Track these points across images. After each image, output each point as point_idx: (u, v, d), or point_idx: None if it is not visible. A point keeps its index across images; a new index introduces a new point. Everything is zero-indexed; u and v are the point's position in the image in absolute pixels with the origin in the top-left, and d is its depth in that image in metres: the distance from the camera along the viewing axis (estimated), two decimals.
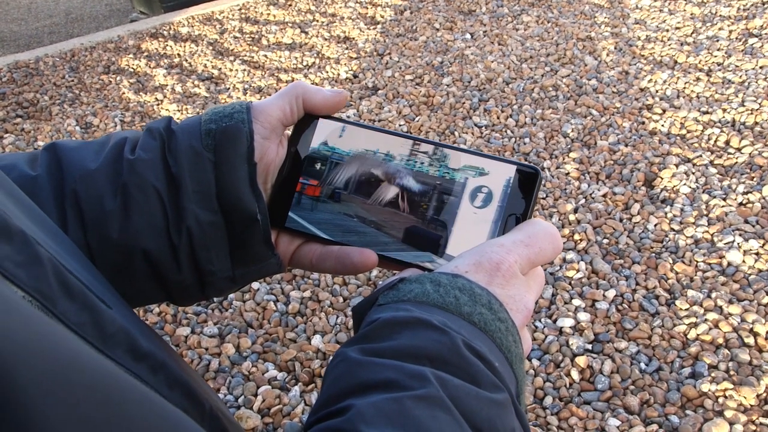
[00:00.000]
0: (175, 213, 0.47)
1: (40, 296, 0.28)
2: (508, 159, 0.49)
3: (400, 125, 2.62)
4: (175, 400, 0.36)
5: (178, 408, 0.35)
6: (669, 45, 3.13)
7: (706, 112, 2.55)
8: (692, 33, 3.23)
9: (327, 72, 3.18)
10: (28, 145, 2.73)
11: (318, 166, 0.51)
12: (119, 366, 0.31)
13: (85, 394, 0.22)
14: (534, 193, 0.48)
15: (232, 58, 3.45)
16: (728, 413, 1.45)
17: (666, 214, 2.05)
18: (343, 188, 0.50)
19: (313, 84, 2.70)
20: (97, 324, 0.31)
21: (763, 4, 3.39)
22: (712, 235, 1.95)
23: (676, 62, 2.97)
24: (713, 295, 1.74)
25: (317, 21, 3.86)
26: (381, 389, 0.33)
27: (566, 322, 1.70)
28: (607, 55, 3.08)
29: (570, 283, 1.84)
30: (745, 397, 1.48)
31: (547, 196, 2.18)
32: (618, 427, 1.45)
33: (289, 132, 0.53)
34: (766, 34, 3.08)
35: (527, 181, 0.48)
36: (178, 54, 3.55)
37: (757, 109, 2.49)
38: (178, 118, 2.76)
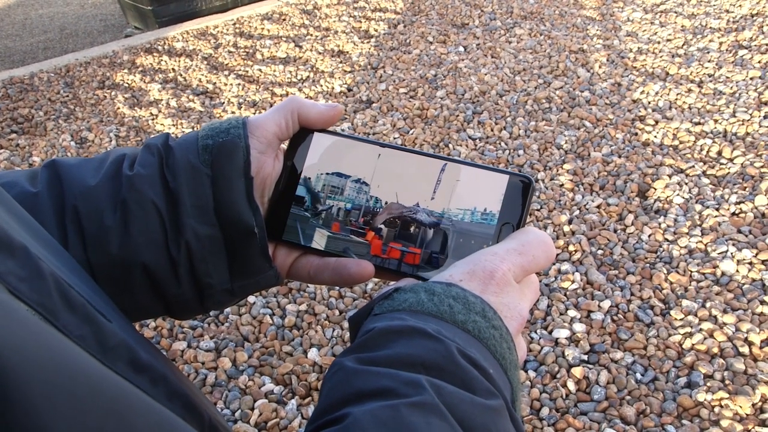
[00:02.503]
0: (174, 227, 0.47)
1: (42, 310, 0.28)
2: (501, 169, 0.49)
3: (394, 138, 2.63)
4: (175, 412, 0.36)
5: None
6: (660, 57, 3.16)
7: (698, 123, 2.57)
8: (683, 45, 3.26)
9: (321, 86, 3.20)
10: (23, 160, 2.73)
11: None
12: (122, 378, 0.32)
13: (90, 404, 0.23)
14: (527, 202, 0.48)
15: (226, 72, 3.46)
16: (724, 422, 1.45)
17: (660, 224, 2.07)
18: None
19: (307, 98, 2.71)
20: (99, 337, 0.31)
21: (752, 16, 3.43)
22: (705, 245, 1.96)
23: (667, 74, 3.00)
24: (708, 304, 1.75)
25: (311, 35, 3.88)
26: (377, 397, 0.33)
27: (562, 333, 1.71)
28: (600, 67, 3.11)
29: (565, 294, 1.84)
30: (740, 407, 1.48)
31: (541, 208, 2.19)
32: None
33: (285, 146, 0.54)
34: (755, 45, 3.11)
35: (520, 190, 0.49)
36: (173, 69, 3.56)
37: (748, 120, 2.51)
38: (173, 133, 2.77)
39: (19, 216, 0.38)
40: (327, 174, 0.52)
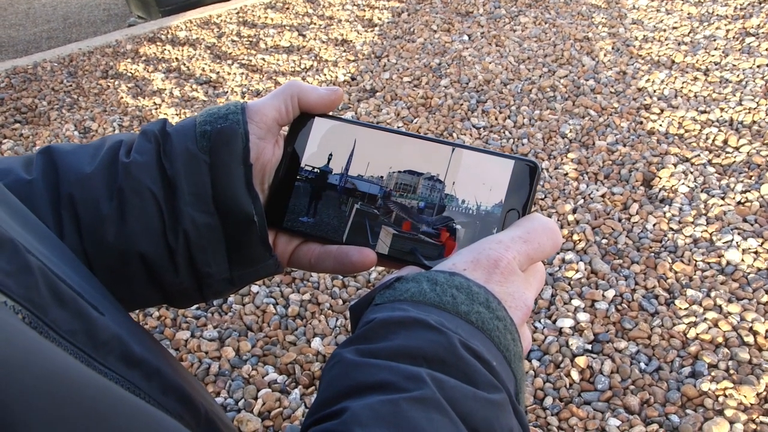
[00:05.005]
0: (172, 216, 0.46)
1: (30, 305, 0.28)
2: (506, 154, 0.48)
3: (398, 127, 2.62)
4: (170, 406, 0.35)
5: (173, 413, 0.35)
6: (666, 45, 3.13)
7: (704, 112, 2.55)
8: (689, 32, 3.23)
9: (325, 74, 3.19)
10: (26, 150, 2.73)
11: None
12: (111, 373, 0.31)
13: (71, 408, 0.22)
14: (533, 188, 0.47)
15: (230, 61, 3.45)
16: (728, 412, 1.45)
17: (665, 213, 2.05)
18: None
19: None
20: (89, 332, 0.31)
21: (760, 3, 3.39)
22: (710, 234, 1.95)
23: (673, 62, 2.97)
24: (712, 294, 1.74)
25: (315, 24, 3.86)
26: (376, 391, 0.33)
27: (566, 323, 1.70)
28: (605, 55, 3.08)
29: (569, 284, 1.84)
30: (745, 396, 1.47)
31: (545, 197, 2.18)
32: (618, 427, 1.45)
33: (285, 131, 0.53)
34: (763, 33, 3.08)
35: (526, 175, 0.48)
36: (176, 58, 3.55)
37: (754, 108, 2.49)
38: (175, 122, 2.76)
39: (10, 206, 0.38)
40: (399, 172, 0.50)
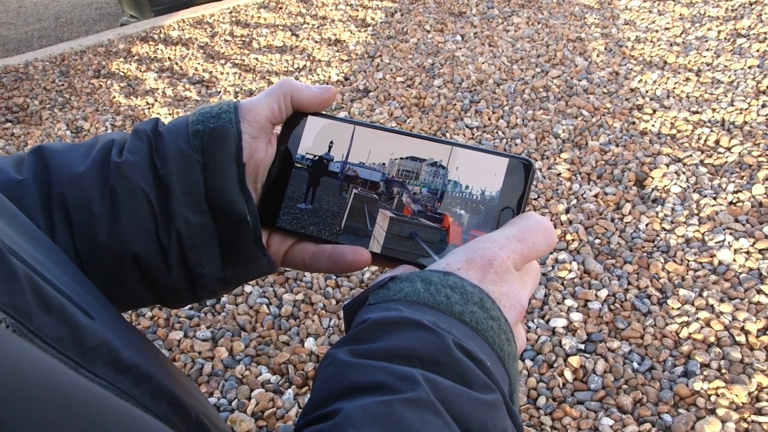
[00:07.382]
0: (164, 215, 0.46)
1: (15, 312, 0.27)
2: (501, 152, 0.48)
3: (391, 127, 2.62)
4: (160, 411, 0.35)
5: (163, 419, 0.35)
6: (658, 45, 3.14)
7: (696, 112, 2.56)
8: (681, 33, 3.24)
9: (318, 74, 3.18)
10: (18, 149, 2.72)
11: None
12: (99, 380, 0.31)
13: (60, 414, 0.22)
14: (527, 186, 0.47)
15: (222, 61, 3.44)
16: (720, 411, 1.45)
17: (657, 213, 2.06)
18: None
19: None
20: (77, 338, 0.30)
21: (751, 4, 3.41)
22: (702, 234, 1.95)
23: (665, 62, 2.98)
24: (705, 293, 1.75)
25: (308, 24, 3.86)
26: (370, 392, 0.32)
27: (559, 323, 1.71)
28: (598, 55, 3.09)
29: (562, 284, 1.84)
30: (736, 395, 1.48)
31: (538, 197, 2.18)
32: (611, 427, 1.45)
33: (278, 130, 0.53)
34: (754, 34, 3.10)
35: (520, 173, 0.47)
36: (169, 57, 3.54)
37: (746, 109, 2.50)
38: (167, 122, 2.75)
39: (1, 207, 0.37)
40: (402, 158, 0.50)
